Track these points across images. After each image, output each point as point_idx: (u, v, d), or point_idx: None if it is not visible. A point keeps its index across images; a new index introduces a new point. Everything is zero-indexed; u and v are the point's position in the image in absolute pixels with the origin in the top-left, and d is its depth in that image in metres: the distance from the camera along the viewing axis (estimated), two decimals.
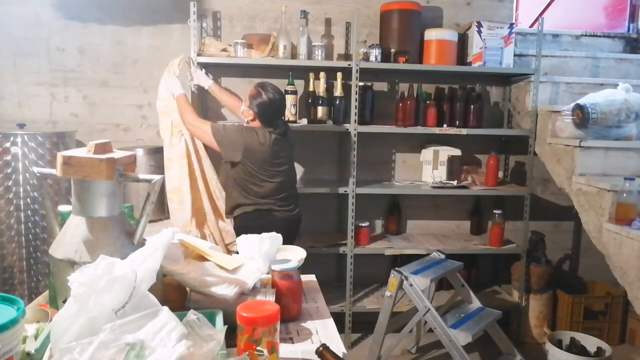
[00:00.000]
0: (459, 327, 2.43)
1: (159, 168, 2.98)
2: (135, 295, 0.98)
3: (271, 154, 2.41)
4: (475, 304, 2.71)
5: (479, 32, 3.03)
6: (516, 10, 3.48)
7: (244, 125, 2.53)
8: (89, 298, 0.94)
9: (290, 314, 1.36)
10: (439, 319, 2.42)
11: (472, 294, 2.73)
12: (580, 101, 2.58)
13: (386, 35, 3.10)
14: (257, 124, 2.46)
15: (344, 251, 3.07)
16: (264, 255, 1.45)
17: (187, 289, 1.33)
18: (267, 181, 2.44)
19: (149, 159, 2.91)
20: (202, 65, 3.08)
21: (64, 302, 0.99)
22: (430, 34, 3.09)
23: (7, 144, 2.60)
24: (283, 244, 1.57)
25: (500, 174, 3.38)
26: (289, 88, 2.97)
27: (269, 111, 2.45)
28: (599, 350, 2.83)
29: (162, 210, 3.04)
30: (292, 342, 1.25)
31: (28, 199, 2.66)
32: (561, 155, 2.73)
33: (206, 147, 2.63)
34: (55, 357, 0.90)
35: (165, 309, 0.94)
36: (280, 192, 2.48)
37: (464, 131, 3.07)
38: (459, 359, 2.35)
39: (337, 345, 1.20)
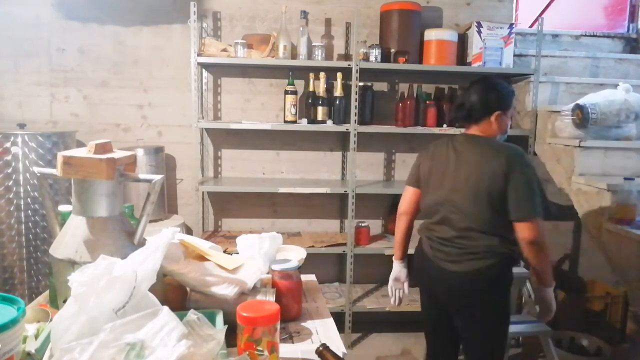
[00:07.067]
0: None
1: (159, 168, 2.99)
2: (136, 295, 0.98)
3: None
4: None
5: (479, 32, 3.04)
6: (516, 11, 3.48)
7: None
8: (89, 298, 0.94)
9: (290, 313, 1.37)
10: None
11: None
12: (580, 101, 2.58)
13: (386, 35, 3.10)
14: None
15: (344, 251, 3.07)
16: (264, 255, 1.45)
17: (187, 289, 1.33)
18: None
19: (149, 159, 2.91)
20: (202, 65, 3.09)
21: (65, 302, 0.99)
22: (430, 34, 3.09)
23: (8, 144, 2.60)
24: None
25: None
26: (289, 88, 2.97)
27: None
28: (599, 350, 2.83)
29: (162, 210, 3.05)
30: (292, 342, 1.26)
31: (28, 199, 2.66)
32: (561, 155, 2.73)
33: None
34: (55, 357, 0.90)
35: (166, 308, 0.94)
36: None
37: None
38: None
39: (337, 345, 1.21)
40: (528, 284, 2.71)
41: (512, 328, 2.45)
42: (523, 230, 1.71)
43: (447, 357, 2.02)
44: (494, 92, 1.84)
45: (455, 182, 1.82)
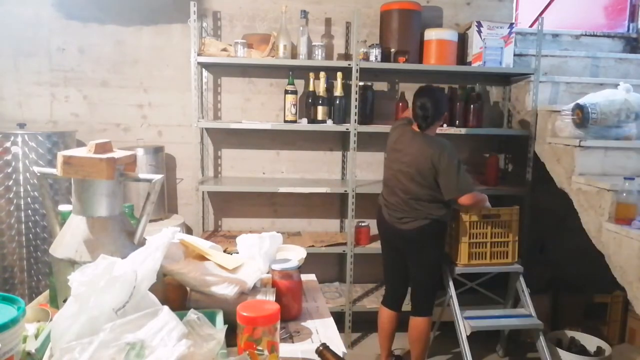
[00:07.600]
0: (471, 319, 2.67)
1: (159, 168, 2.99)
2: (136, 294, 0.98)
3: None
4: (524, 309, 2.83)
5: (479, 32, 3.03)
6: (516, 10, 3.48)
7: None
8: (89, 297, 0.94)
9: (290, 313, 1.37)
10: (456, 305, 2.72)
11: (527, 299, 2.81)
12: (580, 101, 2.57)
13: (386, 35, 3.10)
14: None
15: (344, 251, 3.08)
16: (264, 255, 1.45)
17: (188, 289, 1.33)
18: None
19: (149, 158, 2.91)
20: (202, 65, 3.09)
21: (65, 301, 0.99)
22: (430, 34, 3.09)
23: (8, 144, 2.60)
24: None
25: (500, 174, 3.38)
26: (289, 88, 2.97)
27: None
28: (599, 350, 2.83)
29: (162, 210, 3.05)
30: (292, 342, 1.26)
31: (28, 199, 2.66)
32: (561, 155, 2.73)
33: None
34: (55, 357, 0.90)
35: (166, 308, 0.94)
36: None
37: (464, 131, 3.06)
38: (461, 344, 2.67)
39: (337, 345, 1.21)
40: (522, 281, 2.79)
41: (506, 322, 2.82)
42: (463, 201, 2.45)
43: (401, 287, 2.71)
44: (443, 108, 2.56)
45: (401, 165, 2.50)
